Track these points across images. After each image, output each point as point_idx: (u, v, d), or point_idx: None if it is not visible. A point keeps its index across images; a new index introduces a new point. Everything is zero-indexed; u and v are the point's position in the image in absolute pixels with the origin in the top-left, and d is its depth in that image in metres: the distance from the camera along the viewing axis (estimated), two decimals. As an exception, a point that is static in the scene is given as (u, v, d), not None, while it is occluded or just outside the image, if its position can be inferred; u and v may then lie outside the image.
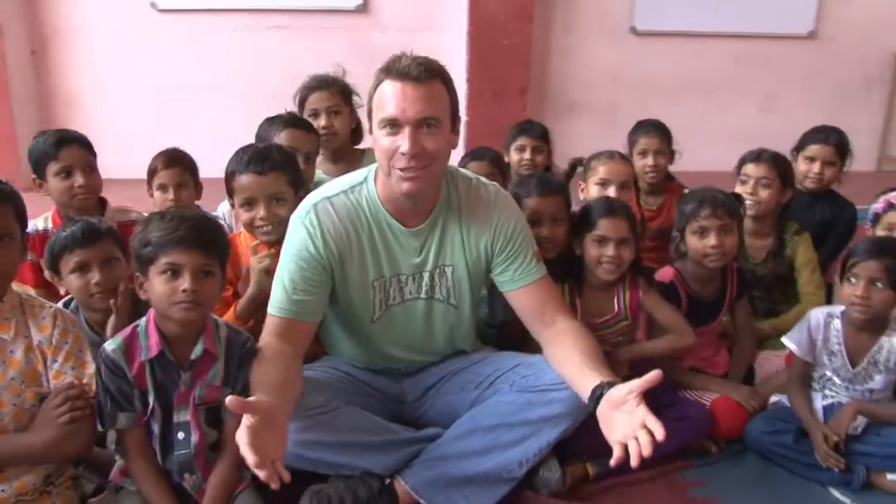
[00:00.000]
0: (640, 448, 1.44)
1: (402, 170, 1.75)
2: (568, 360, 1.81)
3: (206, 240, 1.67)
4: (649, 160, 3.02)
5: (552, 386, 1.86)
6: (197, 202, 2.68)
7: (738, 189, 2.60)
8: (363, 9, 5.56)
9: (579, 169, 2.77)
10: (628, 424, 1.49)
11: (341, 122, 2.78)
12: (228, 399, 1.40)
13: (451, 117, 1.80)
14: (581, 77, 5.91)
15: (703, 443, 2.17)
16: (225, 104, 5.37)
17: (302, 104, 2.80)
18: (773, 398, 2.24)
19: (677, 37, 5.89)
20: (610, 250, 2.15)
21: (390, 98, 1.71)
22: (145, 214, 2.51)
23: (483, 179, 2.02)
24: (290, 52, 5.47)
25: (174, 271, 1.63)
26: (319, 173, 2.81)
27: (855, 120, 5.89)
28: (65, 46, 5.35)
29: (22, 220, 1.58)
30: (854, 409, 2.04)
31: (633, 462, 1.45)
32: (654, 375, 1.52)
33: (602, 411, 1.59)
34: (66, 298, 2.05)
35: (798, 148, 2.96)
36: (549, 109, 5.82)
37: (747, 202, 2.53)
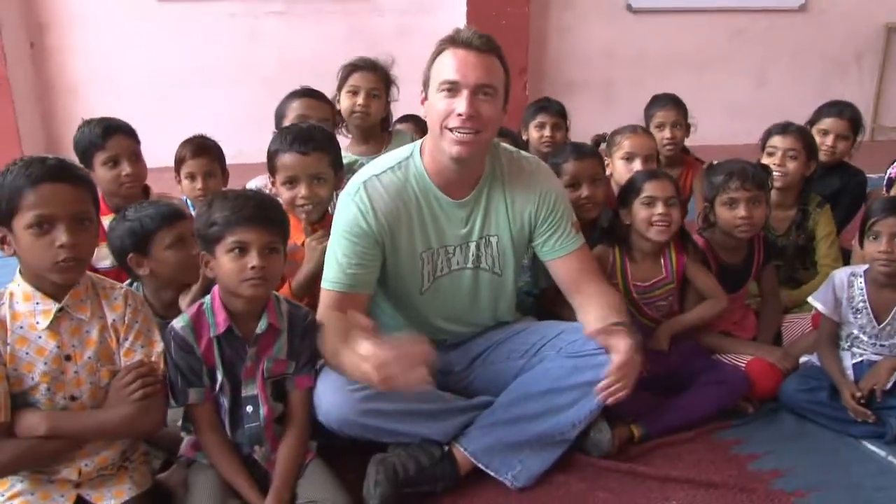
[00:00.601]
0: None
1: (454, 130, 1.82)
2: (589, 314, 1.96)
3: (271, 217, 1.72)
4: (666, 133, 3.09)
5: (598, 350, 1.92)
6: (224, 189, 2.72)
7: (765, 160, 2.67)
8: (361, -7, 5.55)
9: (602, 145, 2.83)
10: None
11: (377, 105, 2.83)
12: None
13: (504, 92, 1.87)
14: (578, 55, 5.97)
15: (740, 403, 2.25)
16: (224, 90, 5.39)
17: (344, 80, 2.83)
18: (803, 358, 2.33)
19: (671, 13, 5.96)
20: (659, 208, 2.23)
21: (451, 63, 1.81)
22: (186, 200, 2.57)
23: (523, 153, 2.09)
24: (288, 38, 5.50)
25: (241, 249, 1.68)
26: (348, 154, 2.86)
27: (846, 91, 5.98)
28: (62, 37, 5.32)
29: (97, 204, 1.62)
30: (890, 367, 2.12)
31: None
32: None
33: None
34: (126, 283, 2.09)
35: (812, 122, 3.03)
36: (548, 88, 5.81)
37: (774, 174, 2.61)
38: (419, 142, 2.00)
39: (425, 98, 1.91)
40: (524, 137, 3.25)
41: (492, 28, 5.29)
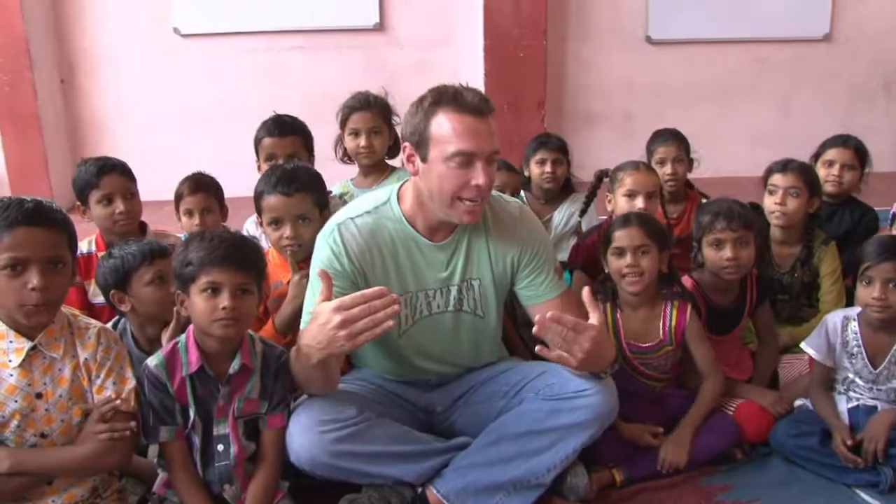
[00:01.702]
0: None
1: (471, 201, 1.83)
2: None
3: (244, 259, 1.75)
4: (668, 168, 3.06)
5: (577, 393, 1.90)
6: (224, 224, 2.77)
7: (767, 199, 2.64)
8: (380, 27, 5.63)
9: (605, 180, 2.81)
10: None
11: (381, 142, 2.90)
12: None
13: None
14: (597, 88, 5.93)
15: (729, 449, 2.19)
16: (247, 125, 5.41)
17: (344, 122, 2.90)
18: (798, 402, 2.27)
19: (691, 44, 5.90)
20: (628, 259, 2.18)
21: (463, 132, 1.79)
22: (182, 237, 2.62)
23: (505, 196, 2.10)
24: (309, 73, 5.59)
25: (214, 289, 1.71)
26: (350, 186, 2.95)
27: (873, 121, 5.91)
28: (91, 73, 5.50)
29: (73, 246, 1.67)
30: (887, 423, 2.04)
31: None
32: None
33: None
34: (115, 320, 2.14)
35: (816, 155, 3.00)
36: (567, 121, 5.86)
37: (775, 212, 2.58)
38: (397, 186, 2.00)
39: (413, 155, 1.88)
40: (526, 174, 3.26)
41: (509, 61, 5.50)
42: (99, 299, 2.34)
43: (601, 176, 2.89)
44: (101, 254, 2.37)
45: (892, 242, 2.10)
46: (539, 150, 3.21)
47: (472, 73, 5.40)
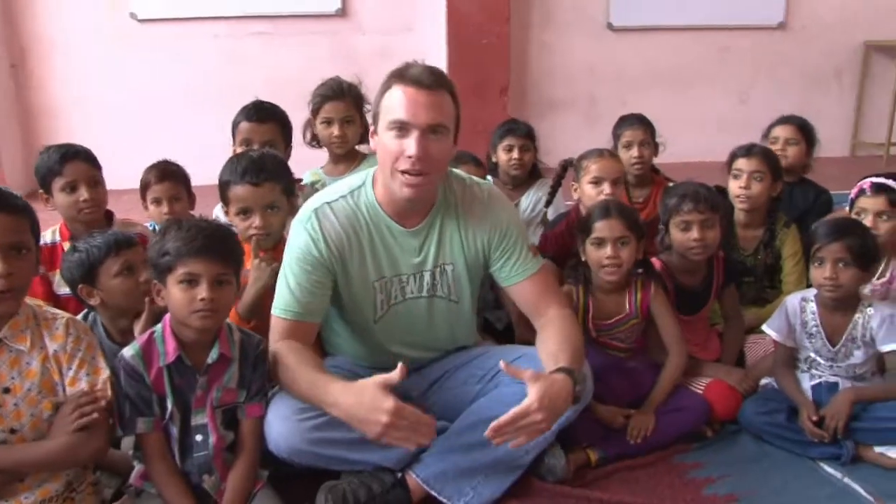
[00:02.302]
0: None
1: (404, 172, 1.82)
2: (542, 346, 1.93)
3: (223, 249, 1.73)
4: (634, 152, 3.11)
5: (554, 376, 1.93)
6: (191, 212, 2.73)
7: (732, 183, 2.70)
8: (342, 13, 5.61)
9: (570, 168, 2.84)
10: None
11: (353, 131, 2.88)
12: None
13: (454, 127, 1.89)
14: (560, 74, 5.99)
15: (700, 426, 2.25)
16: (209, 112, 5.30)
17: (317, 111, 2.88)
18: (764, 381, 2.34)
19: (652, 31, 6.00)
20: (608, 250, 2.21)
21: (401, 102, 1.79)
22: (149, 227, 2.57)
23: (476, 179, 2.10)
24: (272, 58, 5.53)
25: (191, 280, 1.68)
26: (321, 174, 2.92)
27: (827, 108, 6.07)
28: (44, 59, 5.36)
29: (36, 233, 1.62)
30: (850, 400, 2.11)
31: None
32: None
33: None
34: (84, 312, 2.09)
35: (764, 136, 3.15)
36: (530, 107, 5.90)
37: (740, 196, 2.64)
38: (372, 170, 2.00)
39: (374, 132, 1.91)
40: (493, 160, 3.27)
41: (472, 47, 5.50)
42: (64, 290, 2.29)
43: (566, 165, 2.92)
44: (65, 244, 2.32)
45: (840, 223, 2.17)
46: (506, 137, 3.22)
47: (435, 60, 5.31)
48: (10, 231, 1.53)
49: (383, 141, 1.84)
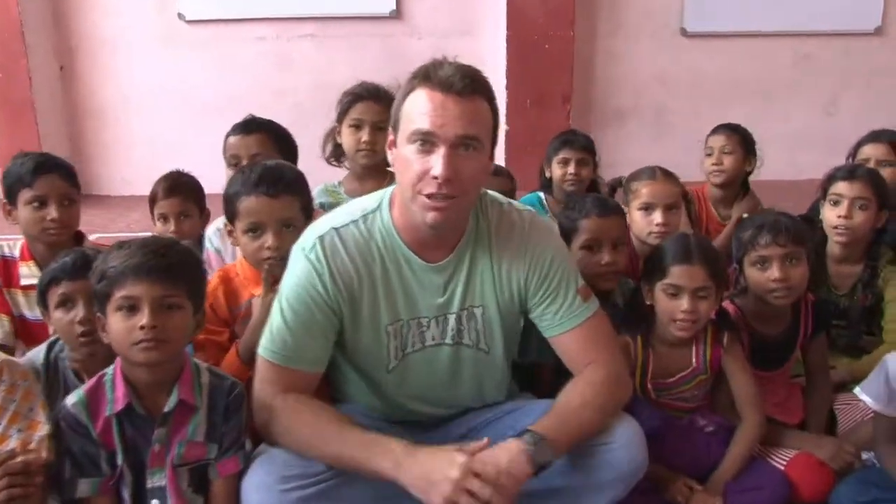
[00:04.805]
0: None
1: (429, 196, 1.49)
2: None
3: (167, 266, 1.44)
4: (712, 159, 2.91)
5: (600, 444, 1.57)
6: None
7: (829, 211, 2.28)
8: (397, 15, 5.38)
9: (620, 189, 2.51)
10: None
11: (385, 139, 2.50)
12: None
13: (491, 141, 1.56)
14: (628, 82, 5.63)
15: (780, 511, 1.83)
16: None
17: (344, 113, 2.50)
18: (865, 455, 1.90)
19: (730, 37, 5.58)
20: (685, 303, 1.84)
21: (426, 109, 1.47)
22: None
23: (516, 204, 1.74)
24: (321, 62, 5.35)
25: (131, 306, 1.41)
26: (340, 192, 2.54)
27: (925, 122, 5.48)
28: (92, 60, 5.29)
29: None
30: None
31: None
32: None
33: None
34: (54, 338, 1.81)
35: (852, 154, 2.75)
36: (594, 117, 5.58)
37: (839, 227, 2.24)
38: (389, 191, 1.66)
39: (393, 142, 1.58)
40: (547, 174, 2.94)
41: (534, 53, 5.17)
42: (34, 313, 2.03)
43: (614, 185, 2.60)
44: (22, 265, 2.08)
45: None
46: (562, 150, 2.91)
47: (493, 65, 5.13)
48: None
49: (403, 155, 1.52)
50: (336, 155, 2.57)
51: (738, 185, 2.92)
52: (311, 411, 1.53)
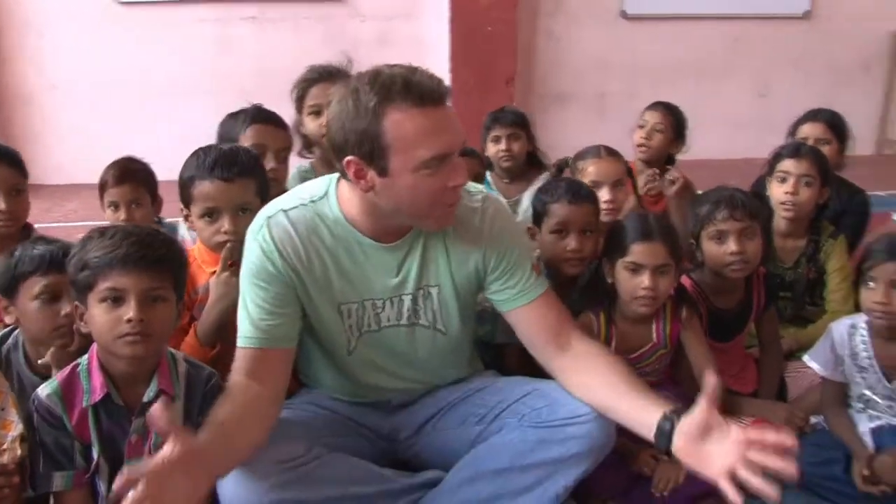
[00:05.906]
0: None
1: (449, 204, 1.53)
2: (605, 388, 1.57)
3: (155, 258, 1.41)
4: (644, 133, 2.95)
5: (569, 420, 1.58)
6: (158, 217, 2.39)
7: (775, 187, 2.36)
8: (339, -4, 5.29)
9: (567, 169, 2.54)
10: (730, 452, 1.31)
11: None
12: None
13: None
14: (570, 65, 5.71)
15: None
16: (194, 101, 5.06)
17: (301, 99, 2.46)
18: (814, 419, 2.00)
19: (669, 20, 5.71)
20: (646, 280, 1.87)
21: (432, 129, 1.43)
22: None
23: (471, 184, 1.73)
24: (263, 46, 5.24)
25: (116, 298, 1.38)
26: (312, 173, 2.48)
27: (853, 102, 5.61)
28: (17, 42, 5.05)
29: None
30: None
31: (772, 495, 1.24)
32: (712, 384, 1.38)
33: (683, 448, 1.40)
34: (5, 331, 1.75)
35: (791, 133, 2.81)
36: (537, 99, 5.63)
37: (786, 203, 2.32)
38: (334, 180, 1.63)
39: (363, 169, 1.47)
40: (486, 153, 2.96)
41: (477, 36, 5.16)
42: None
43: (561, 166, 2.65)
44: None
45: None
46: (493, 127, 2.94)
47: (436, 48, 5.15)
48: None
49: (411, 183, 1.46)
50: (306, 145, 2.54)
51: (660, 165, 2.87)
52: (223, 399, 1.46)
